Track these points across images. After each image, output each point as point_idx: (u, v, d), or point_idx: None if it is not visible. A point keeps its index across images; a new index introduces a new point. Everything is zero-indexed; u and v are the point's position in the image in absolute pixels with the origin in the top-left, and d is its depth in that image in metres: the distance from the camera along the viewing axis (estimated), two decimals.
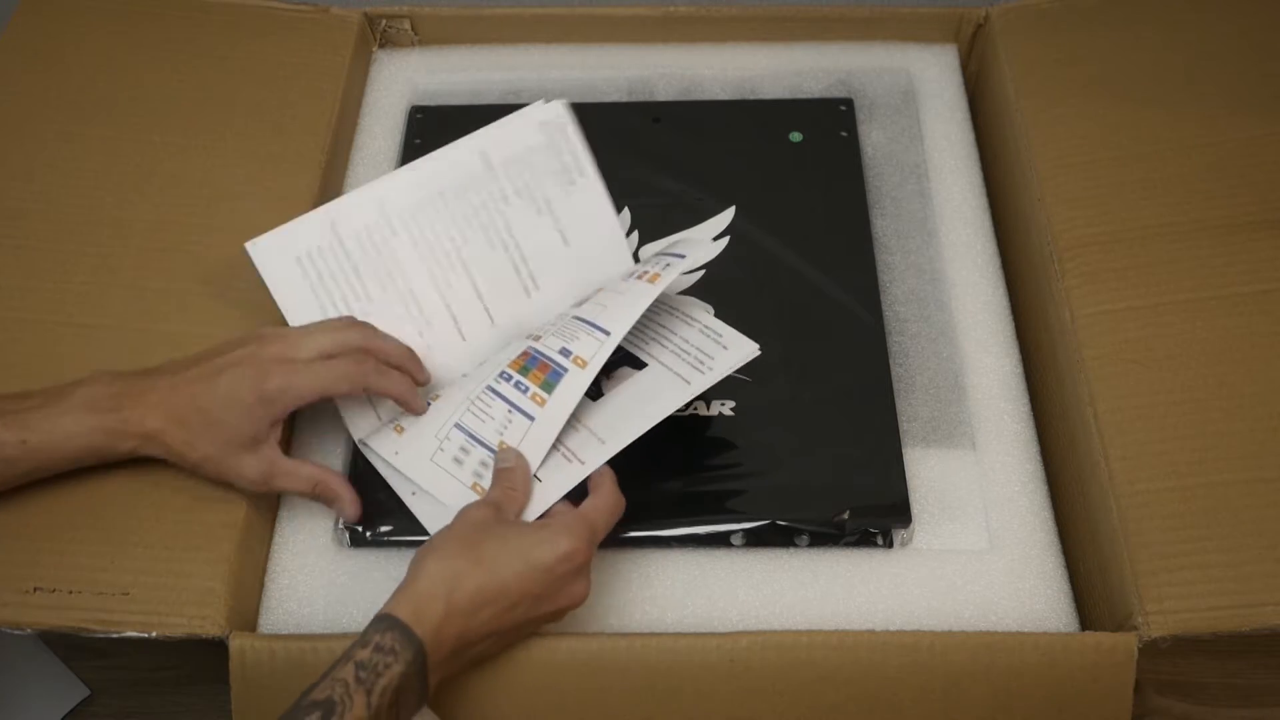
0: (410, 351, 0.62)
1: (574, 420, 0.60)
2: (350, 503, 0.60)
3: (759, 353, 0.61)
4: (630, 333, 0.63)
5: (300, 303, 0.63)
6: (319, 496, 0.61)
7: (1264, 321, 0.64)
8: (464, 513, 0.55)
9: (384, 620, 0.50)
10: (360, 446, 0.63)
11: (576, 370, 0.58)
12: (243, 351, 0.58)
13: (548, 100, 0.65)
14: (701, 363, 0.61)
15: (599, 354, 0.58)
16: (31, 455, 0.56)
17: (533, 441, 0.59)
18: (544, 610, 0.54)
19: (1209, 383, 0.62)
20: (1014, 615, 0.60)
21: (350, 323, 0.61)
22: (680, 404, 0.59)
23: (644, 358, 0.63)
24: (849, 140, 0.78)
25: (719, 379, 0.60)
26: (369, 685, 0.47)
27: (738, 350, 0.61)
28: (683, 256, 0.62)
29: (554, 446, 0.59)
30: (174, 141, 0.73)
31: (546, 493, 0.58)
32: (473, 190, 0.65)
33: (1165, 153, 0.71)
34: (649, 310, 0.64)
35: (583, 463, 0.58)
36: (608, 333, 0.59)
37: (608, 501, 0.56)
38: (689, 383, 0.60)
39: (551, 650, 0.56)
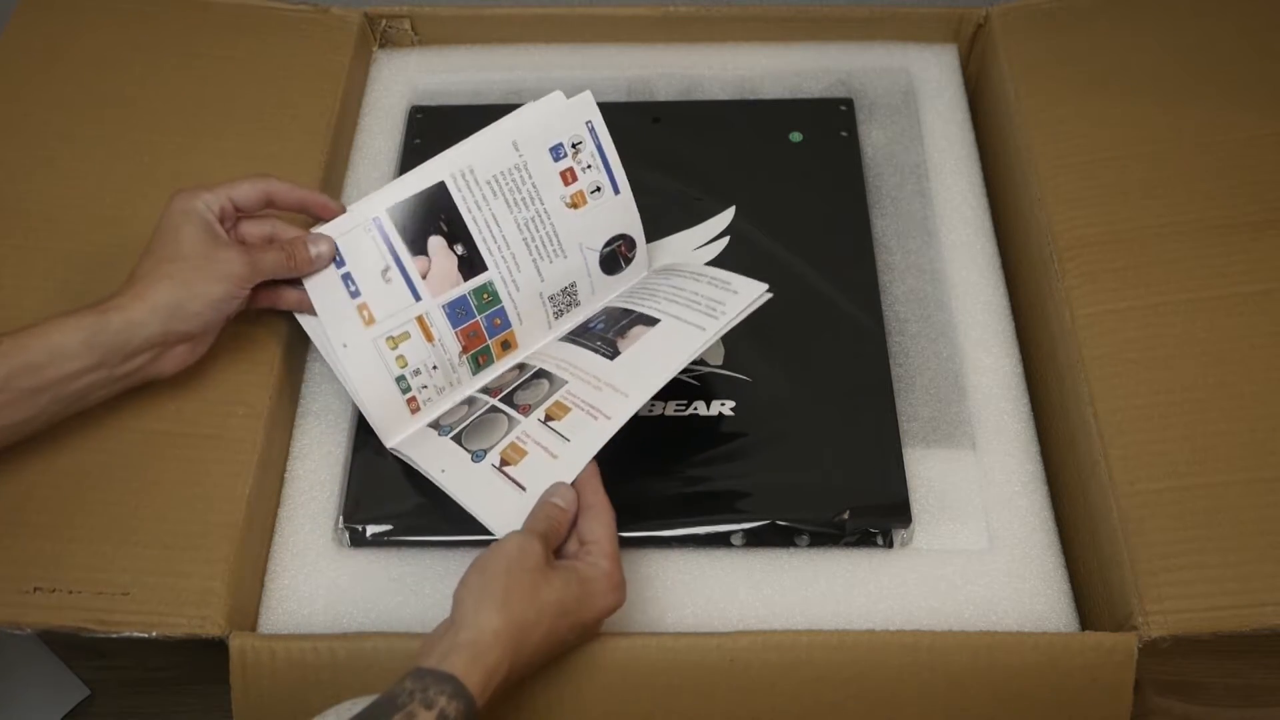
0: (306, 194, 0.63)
1: (594, 379, 0.61)
2: (320, 239, 0.61)
3: (770, 294, 0.61)
4: (639, 293, 0.65)
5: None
6: (293, 254, 0.60)
7: (1264, 321, 0.64)
8: (519, 548, 0.52)
9: (451, 683, 0.47)
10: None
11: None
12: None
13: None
14: (713, 309, 0.61)
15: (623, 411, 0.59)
16: (5, 358, 0.54)
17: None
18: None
19: (1209, 383, 0.62)
20: (1014, 615, 0.60)
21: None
22: (697, 350, 0.59)
23: (655, 314, 0.63)
24: (849, 140, 0.78)
25: (732, 322, 0.60)
26: None
27: (747, 292, 0.62)
28: (714, 316, 0.62)
29: (578, 406, 0.60)
30: (174, 141, 0.73)
31: (576, 453, 0.58)
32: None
33: (1165, 153, 0.71)
34: (656, 271, 0.66)
35: (609, 418, 0.59)
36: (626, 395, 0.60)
37: (609, 520, 0.56)
38: (703, 329, 0.60)
39: None
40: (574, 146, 0.64)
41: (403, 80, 0.83)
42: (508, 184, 0.63)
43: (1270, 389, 0.61)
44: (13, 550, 0.58)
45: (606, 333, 0.64)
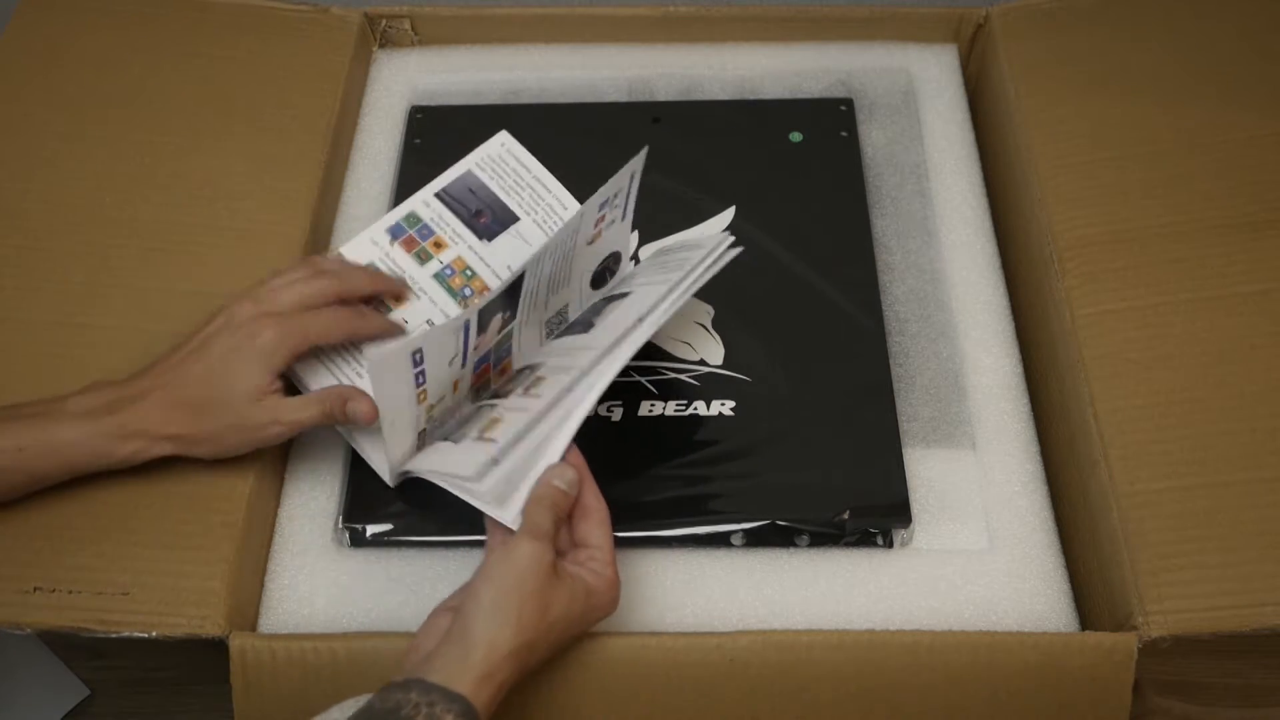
0: (375, 273, 0.63)
1: (569, 350, 0.61)
2: (360, 399, 0.59)
3: (739, 248, 0.62)
4: (614, 284, 0.66)
5: None
6: (331, 414, 0.59)
7: (1264, 321, 0.64)
8: (531, 558, 0.51)
9: (458, 703, 0.47)
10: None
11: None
12: (220, 320, 0.58)
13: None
14: (680, 265, 0.61)
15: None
16: (27, 464, 0.55)
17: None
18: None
19: (1209, 383, 0.62)
20: (1014, 615, 0.60)
21: (315, 270, 0.61)
22: (668, 299, 0.59)
23: (626, 290, 0.64)
24: (849, 140, 0.77)
25: (702, 275, 0.60)
26: None
27: (710, 243, 0.62)
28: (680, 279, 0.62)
29: (553, 373, 0.60)
30: (174, 141, 0.73)
31: (544, 404, 0.58)
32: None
33: (1165, 153, 0.71)
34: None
35: (583, 369, 0.58)
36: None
37: (609, 525, 0.55)
38: (669, 279, 0.60)
39: None
40: (615, 196, 0.63)
41: (403, 80, 0.83)
42: (557, 244, 0.61)
43: (1270, 389, 0.61)
44: (13, 550, 0.58)
45: (585, 318, 0.64)
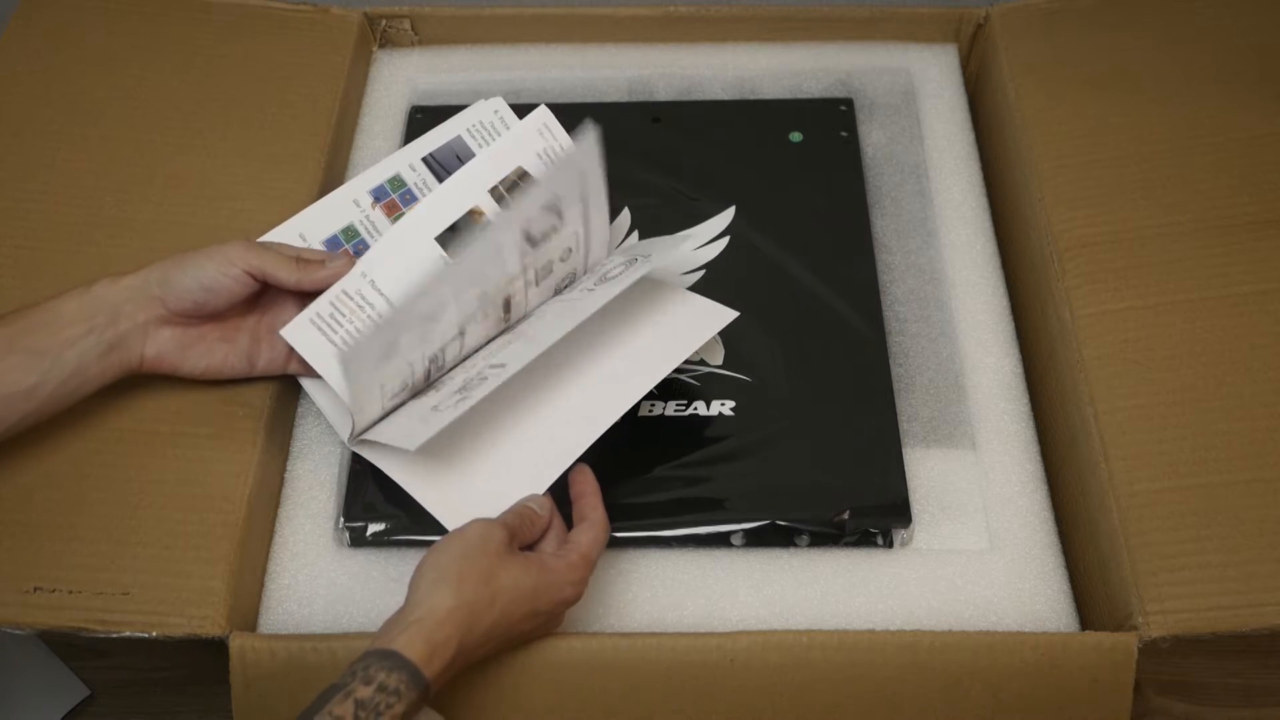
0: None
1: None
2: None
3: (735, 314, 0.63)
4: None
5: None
6: (305, 259, 0.61)
7: (1264, 321, 0.64)
8: (479, 533, 0.53)
9: (392, 658, 0.47)
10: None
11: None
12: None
13: (545, 101, 0.66)
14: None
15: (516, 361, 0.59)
16: (11, 322, 0.56)
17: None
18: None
19: (1209, 383, 0.62)
20: (1014, 615, 0.60)
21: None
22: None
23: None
24: (849, 140, 0.77)
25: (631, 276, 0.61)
26: None
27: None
28: (647, 256, 0.62)
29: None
30: (174, 141, 0.73)
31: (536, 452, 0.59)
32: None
33: (1165, 153, 0.71)
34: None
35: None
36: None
37: (600, 534, 0.56)
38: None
39: (552, 650, 0.56)
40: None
41: (403, 80, 0.83)
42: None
43: (1270, 389, 0.61)
44: (13, 550, 0.58)
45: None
